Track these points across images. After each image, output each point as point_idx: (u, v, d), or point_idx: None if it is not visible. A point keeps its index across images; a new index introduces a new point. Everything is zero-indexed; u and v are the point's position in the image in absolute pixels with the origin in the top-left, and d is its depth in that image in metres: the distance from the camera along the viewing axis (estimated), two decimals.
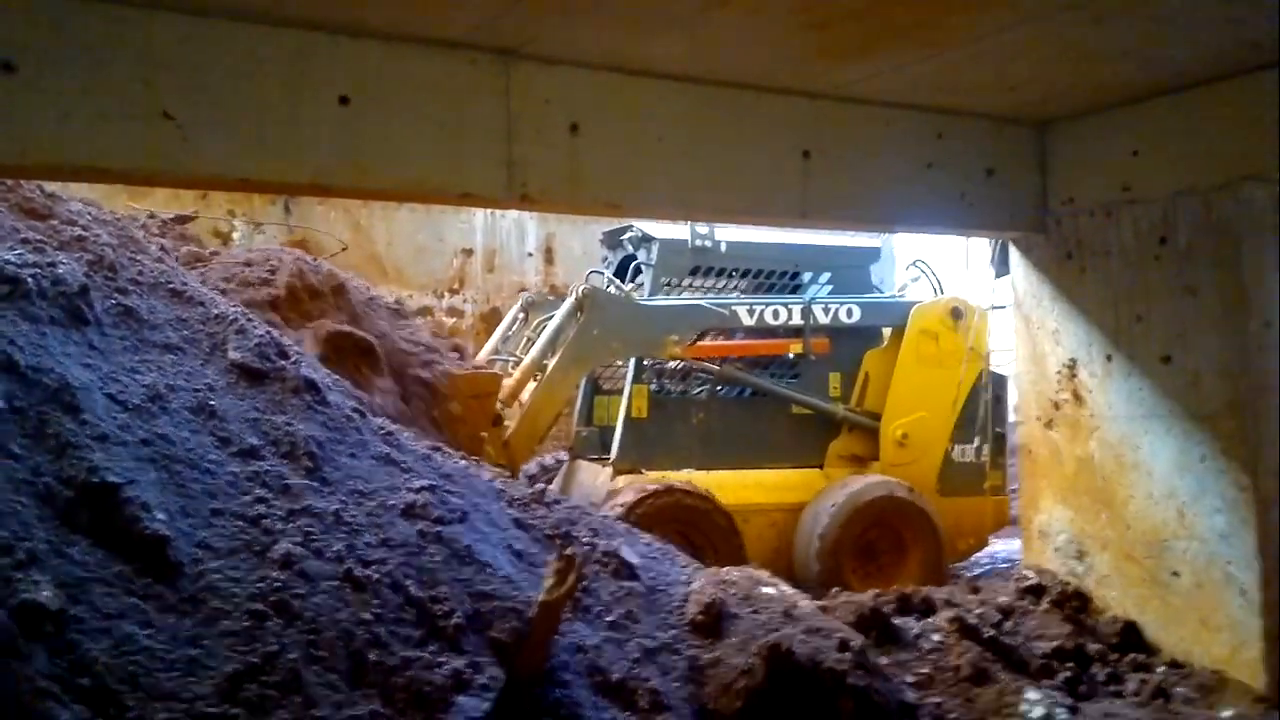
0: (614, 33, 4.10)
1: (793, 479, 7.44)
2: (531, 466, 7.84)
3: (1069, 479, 5.57)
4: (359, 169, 4.00)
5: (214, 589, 2.98)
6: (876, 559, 7.30)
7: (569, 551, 3.56)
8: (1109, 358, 5.36)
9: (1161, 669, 4.88)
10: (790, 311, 7.52)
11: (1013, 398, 5.89)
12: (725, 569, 4.54)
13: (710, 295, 7.80)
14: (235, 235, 9.01)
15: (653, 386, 7.33)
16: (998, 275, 6.20)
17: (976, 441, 7.74)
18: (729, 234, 7.59)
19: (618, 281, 7.82)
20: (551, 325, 6.84)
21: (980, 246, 8.31)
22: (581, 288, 6.91)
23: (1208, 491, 4.91)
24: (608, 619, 3.86)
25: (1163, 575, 5.10)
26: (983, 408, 7.71)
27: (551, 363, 6.69)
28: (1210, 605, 4.90)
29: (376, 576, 3.30)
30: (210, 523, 3.19)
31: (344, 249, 7.46)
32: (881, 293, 8.21)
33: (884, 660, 4.28)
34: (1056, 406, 5.63)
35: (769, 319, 7.45)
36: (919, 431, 7.61)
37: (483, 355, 8.09)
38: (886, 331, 7.85)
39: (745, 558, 6.22)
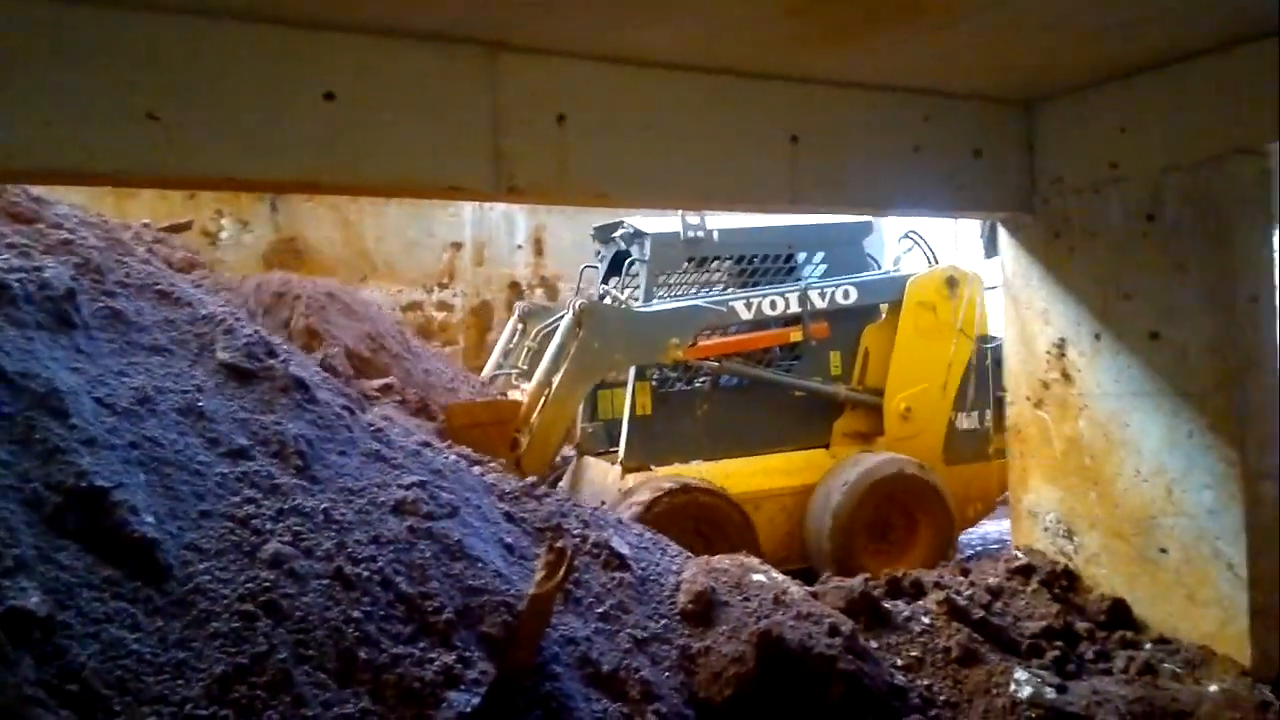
0: (598, 22, 4.09)
1: (799, 461, 7.47)
2: None
3: (1058, 459, 5.59)
4: (345, 165, 4.00)
5: (203, 590, 3.01)
6: (888, 536, 7.33)
7: (559, 544, 3.59)
8: (1097, 336, 5.37)
9: (1149, 645, 4.92)
10: (787, 300, 7.52)
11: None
12: (716, 557, 4.57)
13: (706, 290, 7.83)
14: (223, 235, 9.00)
15: (655, 382, 7.33)
16: (987, 256, 6.20)
17: (979, 409, 7.83)
18: (720, 221, 7.57)
19: (612, 291, 7.75)
20: (554, 343, 6.81)
21: (970, 223, 8.24)
22: (579, 302, 6.88)
23: (1196, 468, 4.94)
24: (599, 610, 3.89)
25: (1151, 552, 5.14)
26: (983, 374, 7.78)
27: (556, 380, 6.67)
28: (1198, 581, 4.94)
29: (366, 574, 3.33)
30: (199, 524, 3.22)
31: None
32: (878, 266, 8.24)
33: (874, 644, 4.32)
34: (1046, 386, 5.65)
35: (767, 310, 7.46)
36: (922, 403, 7.66)
37: (487, 371, 8.13)
38: (884, 307, 7.86)
39: (761, 551, 6.16)
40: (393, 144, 4.06)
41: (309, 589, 3.17)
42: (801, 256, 8.05)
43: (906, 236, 8.35)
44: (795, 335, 7.51)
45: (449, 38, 4.13)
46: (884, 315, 7.82)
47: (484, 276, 10.30)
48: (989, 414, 7.80)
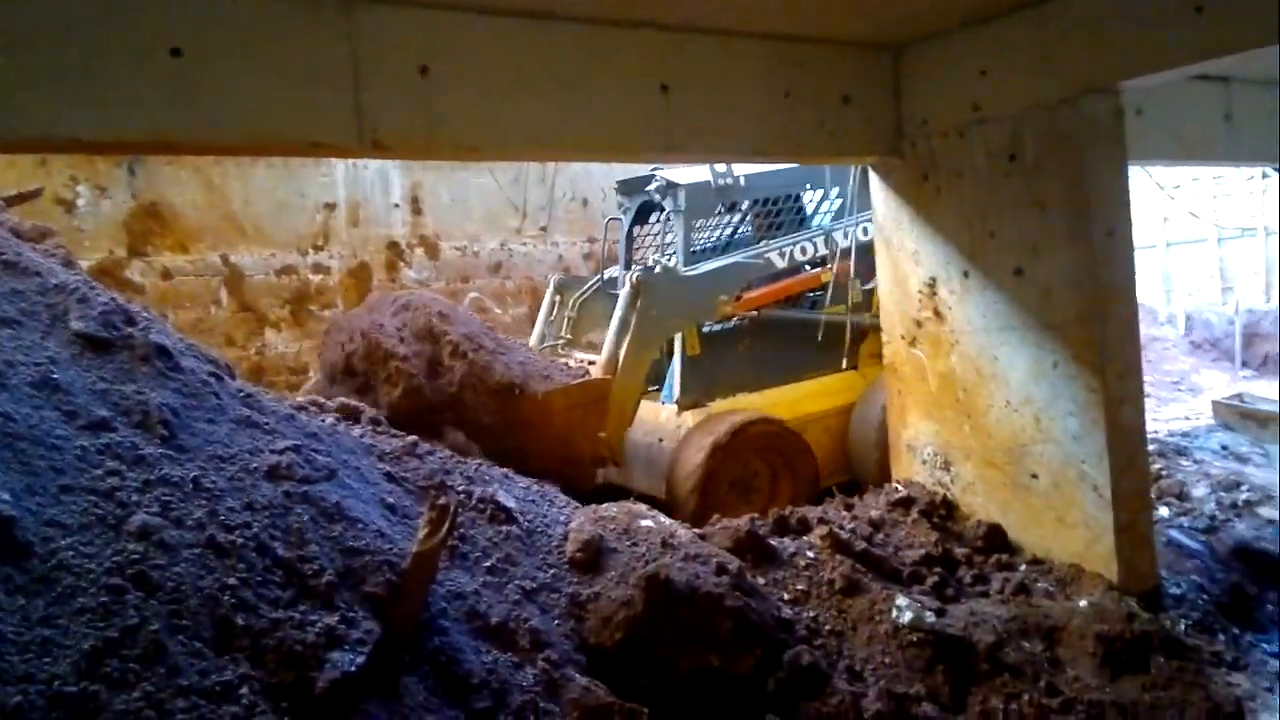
0: None
1: (834, 384, 8.07)
2: None
3: (933, 394, 5.77)
4: (198, 123, 3.85)
5: (67, 567, 2.89)
6: None
7: (442, 501, 3.56)
8: (966, 274, 5.54)
9: (1024, 567, 5.15)
10: (815, 244, 8.14)
11: None
12: (604, 505, 4.60)
13: (734, 234, 8.43)
14: (80, 203, 8.54)
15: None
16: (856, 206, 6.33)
17: None
18: (746, 169, 7.98)
19: (661, 261, 7.94)
20: (615, 316, 7.07)
21: None
22: (635, 274, 7.16)
23: (1061, 397, 5.15)
24: (485, 564, 3.88)
25: (1022, 479, 5.36)
26: None
27: (622, 352, 6.91)
28: (1066, 503, 5.17)
29: (240, 541, 3.24)
30: (59, 499, 3.08)
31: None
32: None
33: (761, 580, 4.41)
34: (919, 325, 5.82)
35: (798, 256, 8.10)
36: None
37: (532, 342, 8.20)
38: None
39: (819, 475, 7.22)
40: (247, 100, 3.92)
41: (180, 559, 3.08)
42: (819, 194, 8.57)
43: None
44: (825, 277, 8.10)
45: None
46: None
47: (360, 237, 9.99)
48: None
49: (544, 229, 10.32)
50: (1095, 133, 4.99)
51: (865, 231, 8.08)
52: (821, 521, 4.97)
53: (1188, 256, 17.70)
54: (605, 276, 8.50)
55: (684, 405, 7.43)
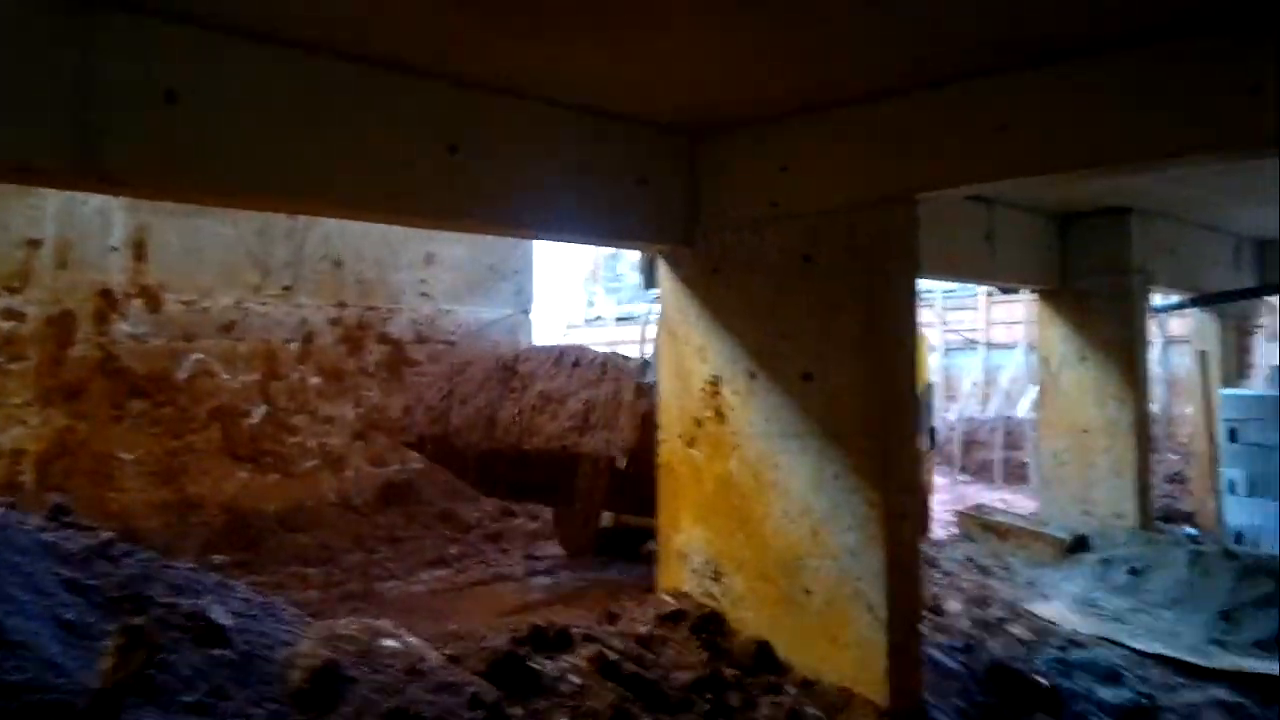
0: None
1: None
2: None
3: (708, 498, 5.46)
4: None
5: None
6: None
7: (137, 620, 2.81)
8: (753, 375, 5.29)
9: (792, 690, 4.85)
10: None
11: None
12: (342, 621, 3.90)
13: None
14: None
15: None
16: (645, 287, 6.01)
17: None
18: None
19: None
20: None
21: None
22: None
23: (840, 509, 4.95)
24: (187, 699, 3.10)
25: (796, 594, 5.10)
26: (924, 411, 8.98)
27: None
28: (839, 622, 4.94)
29: None
30: None
31: None
32: None
33: (520, 712, 3.84)
34: (699, 424, 5.51)
35: None
36: None
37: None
38: None
39: None
40: None
41: None
42: None
43: None
44: None
45: None
46: None
47: (68, 282, 8.42)
48: (927, 442, 9.18)
49: (288, 289, 9.17)
50: (891, 241, 4.90)
51: None
52: (587, 638, 4.47)
53: None
54: None
55: None
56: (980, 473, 16.31)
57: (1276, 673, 5.36)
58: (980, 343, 18.23)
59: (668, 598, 5.33)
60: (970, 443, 17.01)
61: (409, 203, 4.39)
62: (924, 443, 9.25)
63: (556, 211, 4.96)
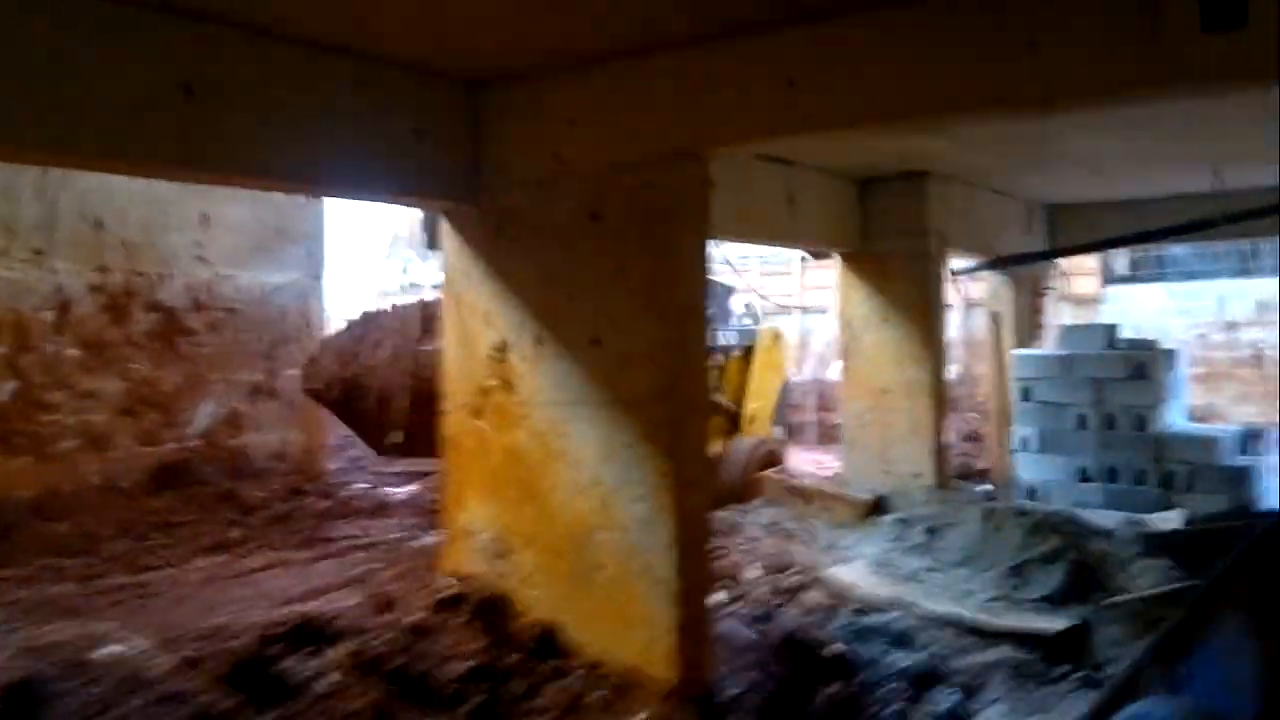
0: None
1: None
2: None
3: (495, 471, 5.15)
4: None
5: None
6: None
7: None
8: (540, 341, 5.00)
9: (581, 672, 4.61)
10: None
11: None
12: (53, 627, 3.40)
13: None
14: None
15: None
16: (430, 247, 5.62)
17: (781, 424, 11.00)
18: None
19: None
20: None
21: None
22: None
23: (631, 479, 4.73)
24: None
25: (585, 570, 4.86)
26: (783, 404, 11.05)
27: None
28: (629, 598, 4.73)
29: None
30: None
31: None
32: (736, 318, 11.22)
33: None
34: (486, 394, 5.18)
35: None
36: (761, 414, 10.41)
37: None
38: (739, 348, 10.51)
39: None
40: None
41: None
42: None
43: (746, 309, 11.93)
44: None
45: None
46: (738, 353, 10.44)
47: None
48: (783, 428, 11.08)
49: (40, 252, 8.13)
50: (681, 200, 4.68)
51: (729, 338, 10.44)
52: (353, 632, 4.10)
53: None
54: None
55: None
56: (795, 435, 16.60)
57: (1058, 630, 5.48)
58: (795, 308, 18.51)
59: (449, 580, 5.01)
60: (786, 405, 17.28)
61: (136, 147, 3.86)
62: (778, 433, 10.83)
63: (320, 164, 4.51)
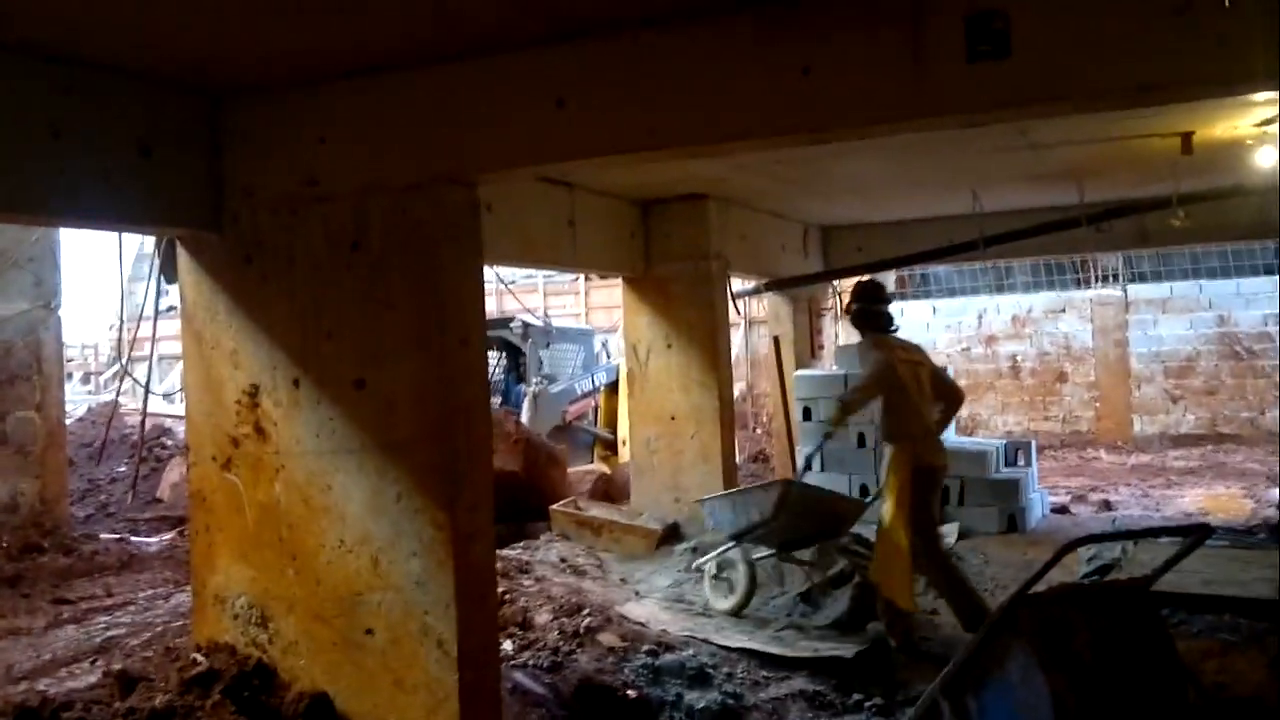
0: None
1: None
2: None
3: (251, 530, 4.61)
4: None
5: None
6: None
7: None
8: (296, 383, 4.51)
9: None
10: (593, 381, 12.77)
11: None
12: None
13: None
14: None
15: None
16: (167, 281, 5.01)
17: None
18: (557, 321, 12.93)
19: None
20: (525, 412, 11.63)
21: None
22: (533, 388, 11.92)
23: (404, 534, 4.31)
24: None
25: (356, 634, 4.40)
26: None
27: None
28: (406, 663, 4.31)
29: None
30: None
31: None
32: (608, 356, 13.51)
33: None
34: (236, 443, 4.63)
35: (586, 386, 12.67)
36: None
37: None
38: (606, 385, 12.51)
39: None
40: None
41: None
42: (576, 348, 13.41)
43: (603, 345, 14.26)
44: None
45: None
46: (604, 390, 12.64)
47: None
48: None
49: None
50: (450, 226, 4.32)
51: (600, 376, 12.79)
52: None
53: None
54: None
55: None
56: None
57: (848, 657, 5.44)
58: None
59: (198, 656, 4.42)
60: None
61: None
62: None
63: (25, 184, 3.88)
